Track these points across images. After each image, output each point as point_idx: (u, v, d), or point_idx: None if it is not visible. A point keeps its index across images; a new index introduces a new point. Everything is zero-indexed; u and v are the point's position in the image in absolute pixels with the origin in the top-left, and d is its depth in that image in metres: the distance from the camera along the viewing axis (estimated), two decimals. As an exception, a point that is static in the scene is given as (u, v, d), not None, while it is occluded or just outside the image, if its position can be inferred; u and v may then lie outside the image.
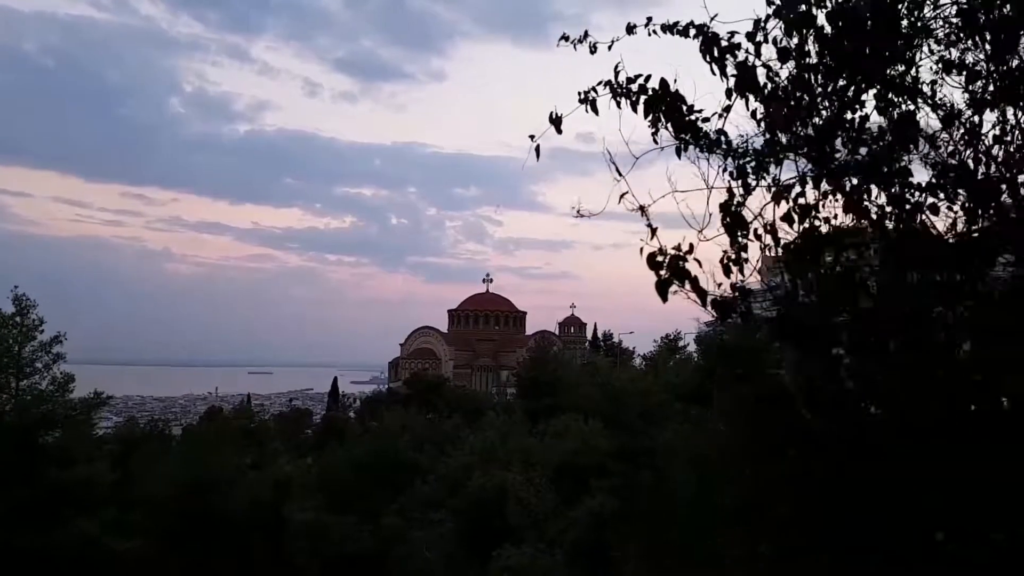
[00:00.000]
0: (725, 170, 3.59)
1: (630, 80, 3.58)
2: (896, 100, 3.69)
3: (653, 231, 3.39)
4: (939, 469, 3.81)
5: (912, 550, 4.08)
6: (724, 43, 3.51)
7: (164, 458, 33.40)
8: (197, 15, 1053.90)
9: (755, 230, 3.51)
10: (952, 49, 3.77)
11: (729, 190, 3.53)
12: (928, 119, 3.74)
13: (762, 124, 3.61)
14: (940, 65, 3.78)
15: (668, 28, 3.64)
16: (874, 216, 3.62)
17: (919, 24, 3.65)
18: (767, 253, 3.64)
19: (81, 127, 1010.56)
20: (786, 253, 3.58)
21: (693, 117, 3.56)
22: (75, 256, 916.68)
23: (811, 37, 3.54)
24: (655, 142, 3.62)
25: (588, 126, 3.62)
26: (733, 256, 3.46)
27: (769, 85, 3.56)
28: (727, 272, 3.46)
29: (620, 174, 3.49)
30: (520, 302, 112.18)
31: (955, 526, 3.99)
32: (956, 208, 3.71)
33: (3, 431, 26.44)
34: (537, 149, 3.77)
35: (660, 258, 3.30)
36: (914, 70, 3.72)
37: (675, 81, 3.58)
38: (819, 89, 3.59)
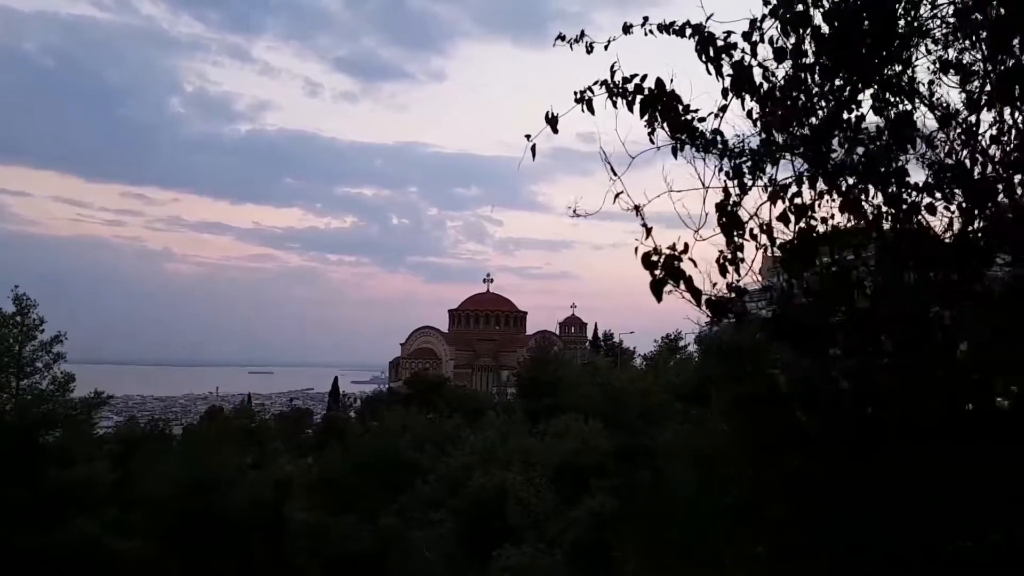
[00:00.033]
0: (721, 170, 3.59)
1: (626, 80, 3.58)
2: (893, 100, 3.69)
3: (648, 231, 3.39)
4: (937, 469, 3.81)
5: (911, 550, 4.07)
6: (720, 43, 3.51)
7: (164, 458, 33.41)
8: (198, 15, 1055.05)
9: (751, 230, 3.50)
10: (949, 49, 3.77)
11: (725, 190, 3.53)
12: (925, 119, 3.74)
13: (758, 124, 3.60)
14: (937, 65, 3.78)
15: (664, 28, 3.64)
16: (871, 216, 3.62)
17: (916, 24, 3.64)
18: (767, 253, 3.64)
19: (82, 127, 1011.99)
20: (782, 253, 3.58)
21: (689, 117, 3.55)
22: (75, 256, 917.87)
23: (808, 37, 3.54)
24: (651, 142, 3.62)
25: (589, 126, 3.63)
26: (729, 256, 3.46)
27: (765, 85, 3.56)
28: (723, 272, 3.46)
29: (615, 174, 3.50)
30: (520, 302, 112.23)
31: (953, 526, 3.99)
32: (953, 208, 3.70)
33: (4, 431, 26.45)
34: (533, 149, 3.77)
35: (655, 258, 3.30)
36: (911, 70, 3.72)
37: (671, 81, 3.59)
38: (816, 89, 3.59)
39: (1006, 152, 3.68)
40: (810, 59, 3.55)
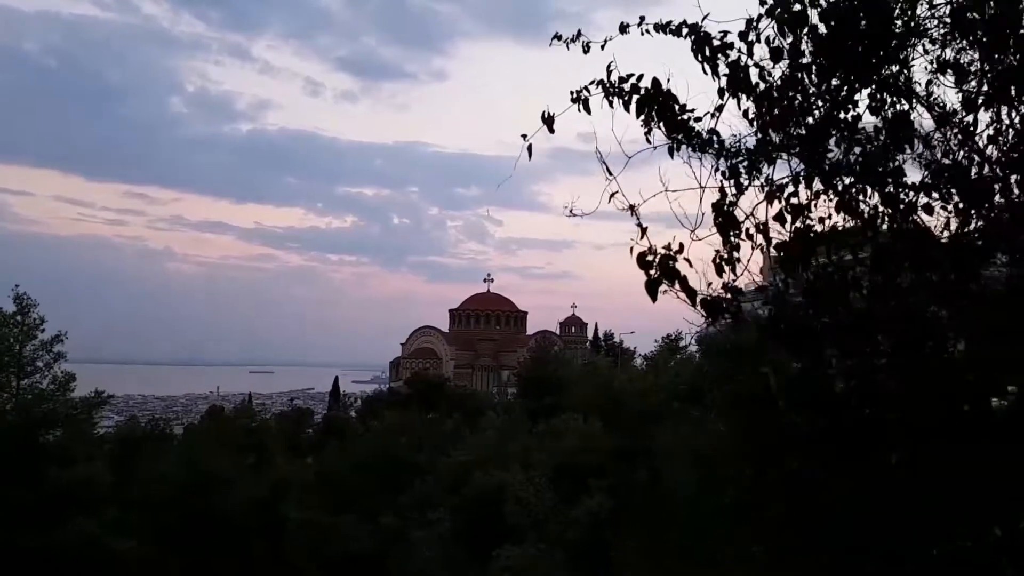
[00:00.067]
0: (717, 170, 3.58)
1: (622, 79, 3.57)
2: (890, 100, 3.68)
3: (643, 231, 3.38)
4: (935, 469, 3.81)
5: (909, 550, 4.07)
6: (716, 43, 3.50)
7: (165, 457, 33.44)
8: (199, 14, 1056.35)
9: (747, 230, 3.50)
10: (947, 49, 3.76)
11: (721, 190, 3.53)
12: (922, 119, 3.73)
13: (755, 123, 3.60)
14: (935, 65, 3.77)
15: (661, 27, 3.63)
16: (867, 216, 3.61)
17: (913, 24, 3.64)
18: (766, 253, 3.63)
19: (83, 126, 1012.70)
20: (779, 253, 3.57)
21: (685, 116, 3.55)
22: (76, 255, 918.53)
23: (805, 36, 3.53)
24: (648, 142, 3.62)
25: (590, 126, 3.62)
26: (725, 256, 3.45)
27: (761, 85, 3.55)
28: (719, 272, 3.45)
29: (610, 173, 3.49)
30: (521, 302, 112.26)
31: (952, 526, 3.99)
32: (950, 208, 3.70)
33: (4, 430, 26.46)
34: (529, 148, 3.76)
35: (650, 257, 3.29)
36: (908, 70, 3.71)
37: (668, 81, 3.58)
38: (812, 89, 3.58)
39: (1003, 152, 3.67)
40: (807, 59, 3.54)
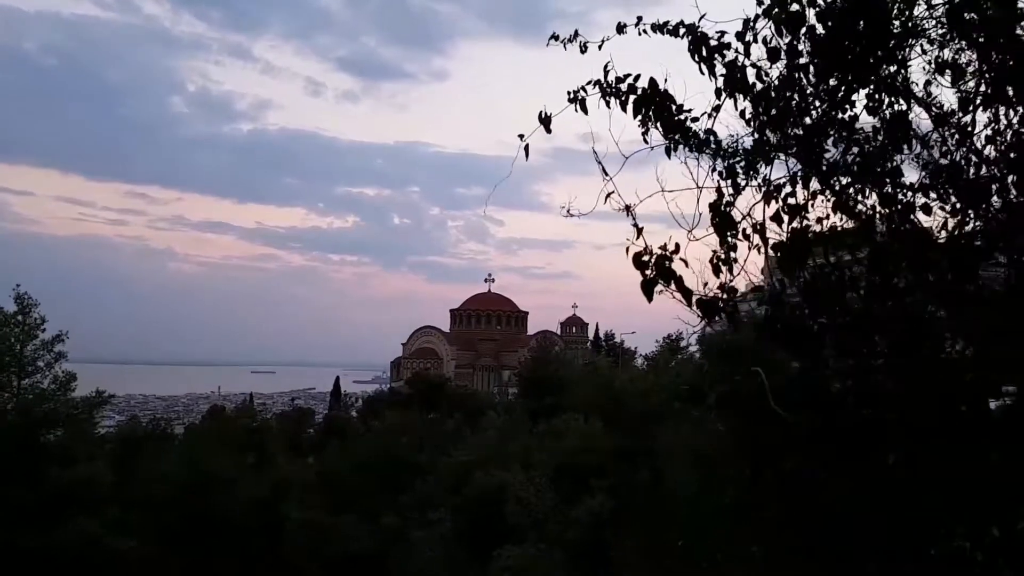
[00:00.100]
0: (715, 170, 3.58)
1: (619, 80, 3.57)
2: (888, 100, 3.68)
3: (639, 231, 3.39)
4: (934, 470, 3.80)
5: (908, 550, 4.07)
6: (713, 43, 3.50)
7: (166, 457, 33.45)
8: (199, 14, 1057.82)
9: (744, 230, 3.50)
10: (944, 49, 3.76)
11: (719, 190, 3.53)
12: (919, 119, 3.73)
13: (752, 124, 3.60)
14: (932, 65, 3.77)
15: (658, 28, 3.63)
16: (865, 216, 3.61)
17: (910, 24, 3.63)
18: (767, 253, 3.63)
19: (83, 126, 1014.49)
20: (776, 253, 3.57)
21: (682, 117, 3.55)
22: (77, 255, 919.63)
23: (802, 36, 3.53)
24: (645, 142, 3.62)
25: (589, 126, 3.62)
26: (722, 256, 3.45)
27: (759, 85, 3.55)
28: (716, 272, 3.45)
29: (606, 173, 3.49)
30: (522, 302, 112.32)
31: (951, 526, 3.99)
32: (948, 208, 3.69)
33: (5, 430, 26.49)
34: (527, 148, 3.77)
35: (646, 257, 3.29)
36: (905, 70, 3.71)
37: (665, 81, 3.58)
38: (809, 89, 3.58)
39: (1001, 152, 3.67)
40: (804, 59, 3.54)
